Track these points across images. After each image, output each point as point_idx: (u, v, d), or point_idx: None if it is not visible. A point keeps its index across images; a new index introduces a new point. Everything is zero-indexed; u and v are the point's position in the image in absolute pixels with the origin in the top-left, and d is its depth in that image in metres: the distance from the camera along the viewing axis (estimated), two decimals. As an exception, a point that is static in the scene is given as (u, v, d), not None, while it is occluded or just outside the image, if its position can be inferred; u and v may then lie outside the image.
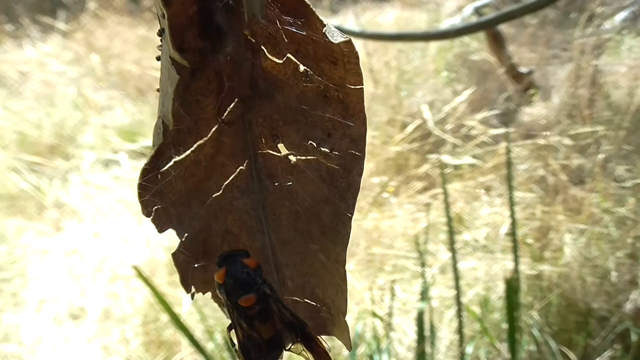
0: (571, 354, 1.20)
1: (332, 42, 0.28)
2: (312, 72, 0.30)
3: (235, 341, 0.31)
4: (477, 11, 2.76)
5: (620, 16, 2.49)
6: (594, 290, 1.33)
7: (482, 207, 1.76)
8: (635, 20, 2.47)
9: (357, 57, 0.29)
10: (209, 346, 1.24)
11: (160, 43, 0.29)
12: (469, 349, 1.23)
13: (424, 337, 0.91)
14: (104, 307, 1.66)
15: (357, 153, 0.31)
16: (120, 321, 1.59)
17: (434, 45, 2.77)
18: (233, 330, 0.31)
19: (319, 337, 0.32)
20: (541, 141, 1.83)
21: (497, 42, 2.40)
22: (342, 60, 0.29)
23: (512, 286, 0.74)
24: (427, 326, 0.96)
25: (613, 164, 1.72)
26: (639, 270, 1.34)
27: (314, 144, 0.31)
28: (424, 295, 0.98)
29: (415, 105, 2.31)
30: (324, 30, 0.28)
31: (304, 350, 0.32)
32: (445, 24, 3.00)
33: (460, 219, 1.69)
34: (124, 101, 3.06)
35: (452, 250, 0.93)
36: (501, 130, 1.97)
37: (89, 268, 1.83)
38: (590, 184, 1.66)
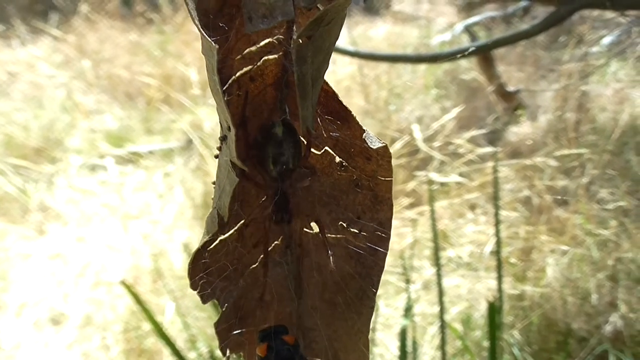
0: (551, 374, 1.21)
1: (370, 148, 0.32)
2: (346, 164, 0.33)
3: None
4: (468, 29, 2.79)
5: (607, 40, 2.53)
6: (575, 311, 1.35)
7: (467, 224, 1.78)
8: (622, 45, 2.52)
9: (390, 157, 0.33)
10: (191, 355, 1.24)
11: (220, 144, 0.32)
12: (450, 366, 1.24)
13: (406, 353, 0.92)
14: (85, 313, 1.65)
15: (383, 235, 0.34)
16: (101, 328, 1.58)
17: (424, 62, 2.80)
18: None
19: None
20: (527, 161, 1.85)
21: (487, 61, 2.43)
22: (376, 157, 0.33)
23: (494, 307, 0.75)
24: (409, 342, 0.96)
25: (597, 186, 1.75)
26: (619, 293, 1.36)
27: (344, 224, 0.34)
28: (408, 312, 0.99)
29: (404, 121, 2.33)
30: (363, 136, 0.32)
31: None
32: (435, 40, 3.04)
33: (445, 236, 1.71)
34: (113, 106, 3.05)
35: (437, 267, 0.94)
36: (488, 149, 1.99)
37: (72, 273, 1.82)
38: (574, 206, 1.68)
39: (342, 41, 2.55)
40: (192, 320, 1.47)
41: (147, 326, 1.49)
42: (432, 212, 0.94)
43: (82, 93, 3.11)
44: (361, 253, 0.34)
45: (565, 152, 1.84)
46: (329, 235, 0.34)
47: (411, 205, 1.85)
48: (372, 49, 2.72)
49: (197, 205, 2.05)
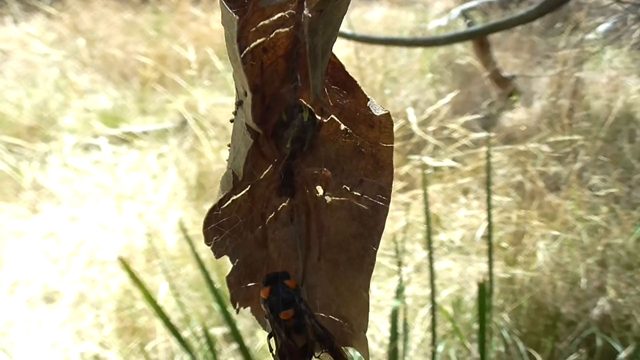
0: (538, 357, 1.23)
1: (374, 114, 0.34)
2: (351, 131, 0.35)
3: (274, 347, 0.37)
4: (464, 14, 2.79)
5: (603, 27, 2.53)
6: (564, 295, 1.37)
7: (459, 209, 1.79)
8: (617, 32, 2.52)
9: (392, 124, 0.35)
10: (185, 334, 1.25)
11: (236, 109, 0.34)
12: (440, 348, 1.25)
13: (397, 334, 0.93)
14: (78, 292, 1.65)
15: (384, 197, 0.36)
16: (95, 306, 1.59)
17: (420, 46, 2.79)
18: (273, 338, 0.37)
19: (341, 347, 0.37)
20: (520, 147, 1.86)
21: (482, 46, 2.43)
22: (379, 125, 0.35)
23: (484, 289, 0.77)
24: (400, 324, 0.98)
25: (589, 173, 1.76)
26: (608, 278, 1.37)
27: (348, 188, 0.36)
28: (399, 294, 1.00)
29: (399, 105, 2.33)
30: (367, 104, 0.34)
31: (330, 357, 0.37)
32: (432, 25, 3.03)
33: (437, 220, 1.72)
34: (107, 85, 3.03)
35: (429, 250, 0.95)
36: (482, 134, 2.00)
37: (65, 252, 1.82)
38: (566, 192, 1.69)
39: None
40: (186, 299, 1.48)
41: (140, 305, 1.50)
42: (425, 196, 0.95)
43: (76, 72, 3.09)
44: (363, 214, 0.36)
45: (559, 138, 1.85)
46: (333, 198, 0.36)
47: (404, 189, 1.86)
48: (368, 32, 2.71)
49: (191, 186, 2.05)
